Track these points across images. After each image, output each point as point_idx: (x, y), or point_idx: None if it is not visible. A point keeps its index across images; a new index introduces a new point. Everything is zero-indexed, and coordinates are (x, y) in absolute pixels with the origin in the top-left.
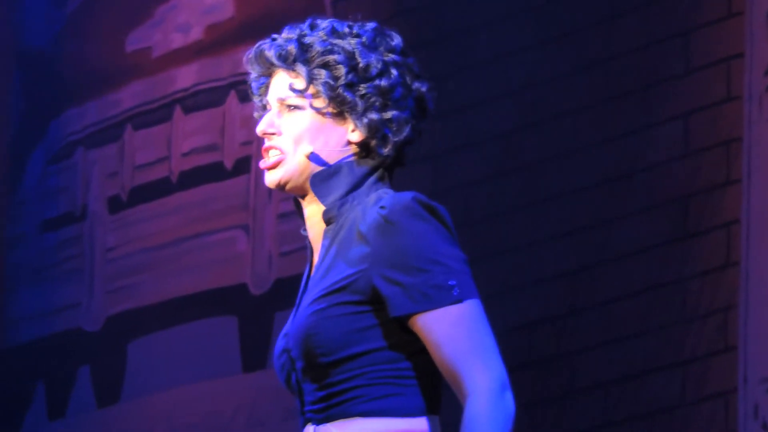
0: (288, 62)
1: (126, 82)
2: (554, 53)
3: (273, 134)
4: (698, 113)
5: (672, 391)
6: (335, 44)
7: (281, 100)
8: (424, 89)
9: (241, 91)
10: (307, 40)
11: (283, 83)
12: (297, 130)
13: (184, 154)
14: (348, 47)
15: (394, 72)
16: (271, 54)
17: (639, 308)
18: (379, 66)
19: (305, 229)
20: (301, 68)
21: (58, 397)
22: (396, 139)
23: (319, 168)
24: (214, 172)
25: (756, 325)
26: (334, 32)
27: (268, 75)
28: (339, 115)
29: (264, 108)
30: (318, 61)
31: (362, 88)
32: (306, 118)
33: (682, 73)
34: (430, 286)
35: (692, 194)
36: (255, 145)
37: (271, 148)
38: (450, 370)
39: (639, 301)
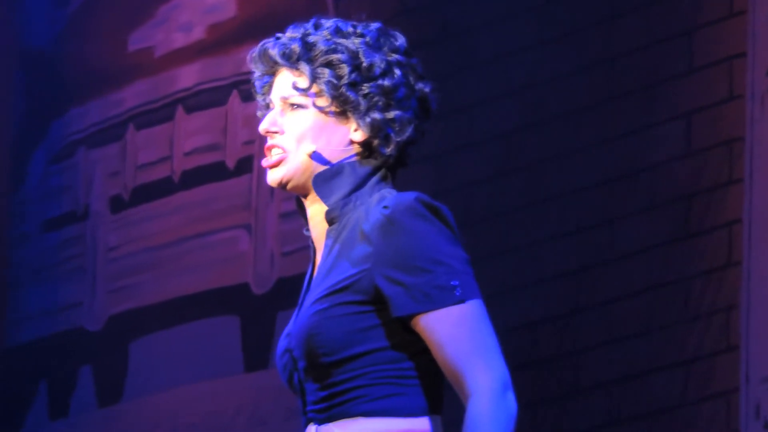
0: (291, 61)
1: (128, 81)
2: (556, 53)
3: (275, 133)
4: (700, 113)
5: (674, 391)
6: (339, 43)
7: (284, 99)
8: (427, 90)
9: (244, 91)
10: (311, 39)
11: (286, 82)
12: (299, 128)
13: (186, 154)
14: (352, 47)
15: (397, 72)
16: (274, 52)
17: (641, 308)
18: (382, 66)
19: (308, 229)
20: (304, 67)
21: (60, 397)
22: (398, 139)
23: (321, 167)
24: (216, 172)
25: (758, 324)
26: (338, 32)
27: (272, 74)
28: (342, 114)
29: (267, 107)
30: (321, 60)
31: (365, 88)
32: (309, 116)
33: (684, 72)
34: (433, 287)
35: (694, 194)
36: (257, 145)
37: (273, 146)
38: (452, 371)
39: (641, 301)
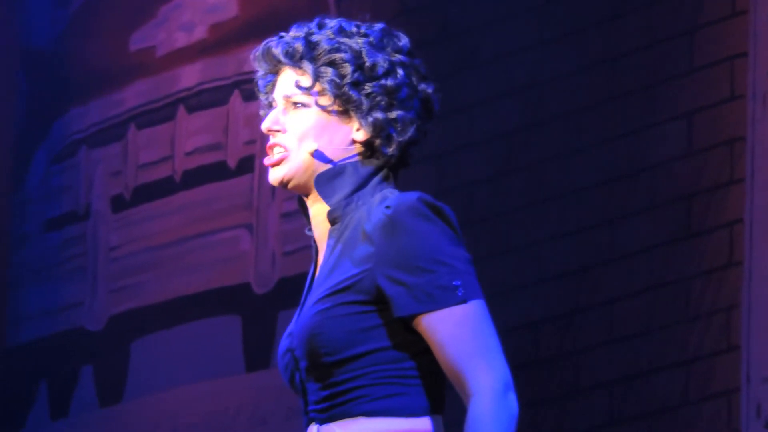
0: (295, 59)
1: (129, 81)
2: (556, 53)
3: (278, 131)
4: (702, 112)
5: (675, 391)
6: (342, 43)
7: (287, 97)
8: (430, 90)
9: (245, 90)
10: (315, 38)
11: (289, 80)
12: (302, 127)
13: (188, 154)
14: (355, 46)
15: (400, 72)
16: (278, 51)
17: (642, 308)
18: (385, 66)
19: (310, 229)
20: (307, 65)
21: (61, 397)
22: (400, 139)
23: (323, 166)
24: (217, 172)
25: (759, 324)
26: (341, 31)
27: (275, 72)
28: (344, 113)
29: (270, 106)
30: (324, 59)
31: (368, 87)
32: (311, 115)
33: (686, 72)
34: (435, 287)
35: (695, 193)
36: (258, 145)
37: (275, 145)
38: (454, 371)
39: (642, 301)
